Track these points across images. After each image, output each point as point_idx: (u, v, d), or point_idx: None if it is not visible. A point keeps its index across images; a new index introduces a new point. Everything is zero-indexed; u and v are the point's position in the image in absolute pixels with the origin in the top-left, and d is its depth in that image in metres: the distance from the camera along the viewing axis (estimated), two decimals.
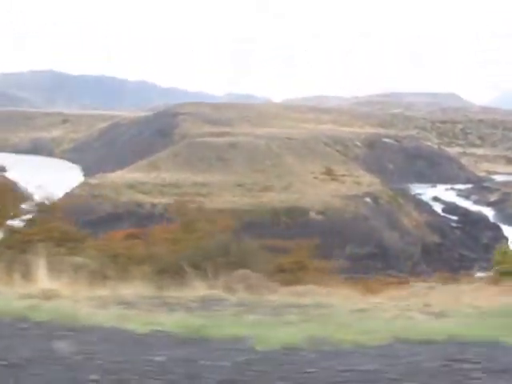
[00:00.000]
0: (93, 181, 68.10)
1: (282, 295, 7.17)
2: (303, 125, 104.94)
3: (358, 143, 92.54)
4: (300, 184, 62.52)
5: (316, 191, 59.34)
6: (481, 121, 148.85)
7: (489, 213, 73.97)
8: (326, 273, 18.49)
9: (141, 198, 57.44)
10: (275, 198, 55.87)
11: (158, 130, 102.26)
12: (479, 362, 4.23)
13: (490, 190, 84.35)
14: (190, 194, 59.76)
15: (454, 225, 67.92)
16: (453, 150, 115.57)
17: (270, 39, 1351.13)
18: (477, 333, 4.98)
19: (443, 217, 70.94)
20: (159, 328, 4.97)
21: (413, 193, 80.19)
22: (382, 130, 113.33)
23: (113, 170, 74.40)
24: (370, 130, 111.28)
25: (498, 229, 66.36)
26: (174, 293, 6.60)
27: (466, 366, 4.18)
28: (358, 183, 67.11)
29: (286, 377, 3.90)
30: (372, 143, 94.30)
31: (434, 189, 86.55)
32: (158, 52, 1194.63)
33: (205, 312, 5.78)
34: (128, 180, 65.67)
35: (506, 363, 4.25)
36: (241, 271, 11.79)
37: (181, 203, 44.75)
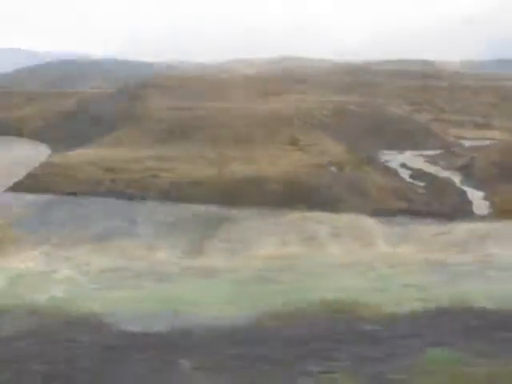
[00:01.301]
0: (55, 160, 66.97)
1: None
2: (271, 96, 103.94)
3: (326, 112, 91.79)
4: (264, 154, 61.91)
5: (280, 161, 58.79)
6: (451, 85, 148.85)
7: (456, 178, 74.06)
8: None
9: (101, 174, 56.48)
10: (237, 169, 55.27)
11: (124, 105, 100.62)
12: None
13: (457, 155, 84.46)
14: (152, 168, 59.01)
15: (420, 191, 67.91)
16: (422, 116, 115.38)
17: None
18: None
19: (410, 183, 70.85)
20: None
21: (380, 160, 79.97)
22: (351, 98, 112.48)
23: (79, 148, 73.31)
24: (339, 98, 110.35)
25: (464, 194, 66.57)
26: None
27: None
28: (324, 152, 66.66)
29: None
30: (340, 112, 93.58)
31: (402, 155, 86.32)
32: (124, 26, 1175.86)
33: None
34: (90, 157, 64.61)
35: None
36: None
37: None
